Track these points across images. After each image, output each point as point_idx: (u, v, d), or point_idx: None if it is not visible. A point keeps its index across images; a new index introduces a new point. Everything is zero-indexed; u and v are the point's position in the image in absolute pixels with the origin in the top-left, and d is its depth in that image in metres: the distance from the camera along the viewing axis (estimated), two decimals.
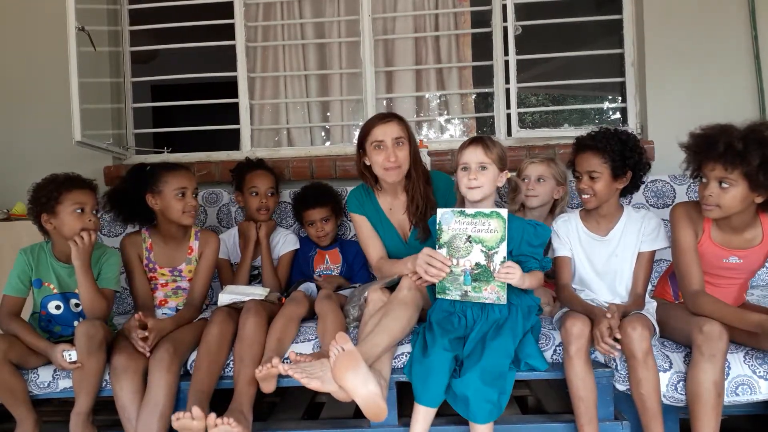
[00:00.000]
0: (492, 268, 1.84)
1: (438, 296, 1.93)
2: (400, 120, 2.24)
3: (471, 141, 1.99)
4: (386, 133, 2.19)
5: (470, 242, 1.85)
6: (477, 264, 1.85)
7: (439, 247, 1.90)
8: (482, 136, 2.01)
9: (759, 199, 1.81)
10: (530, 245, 1.92)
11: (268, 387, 1.91)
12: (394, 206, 2.35)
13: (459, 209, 1.89)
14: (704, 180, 1.84)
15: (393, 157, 2.18)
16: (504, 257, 1.83)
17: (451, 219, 1.88)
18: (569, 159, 2.14)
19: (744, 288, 2.02)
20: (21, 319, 2.08)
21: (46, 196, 2.04)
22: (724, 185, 1.78)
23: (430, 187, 2.30)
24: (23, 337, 2.00)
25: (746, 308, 1.98)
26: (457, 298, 1.89)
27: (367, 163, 2.26)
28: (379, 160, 2.20)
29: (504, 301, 1.86)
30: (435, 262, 1.89)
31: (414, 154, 2.25)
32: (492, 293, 1.85)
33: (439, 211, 1.91)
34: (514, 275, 1.82)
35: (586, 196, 2.02)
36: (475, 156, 1.95)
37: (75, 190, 2.05)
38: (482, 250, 1.84)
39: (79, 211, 2.04)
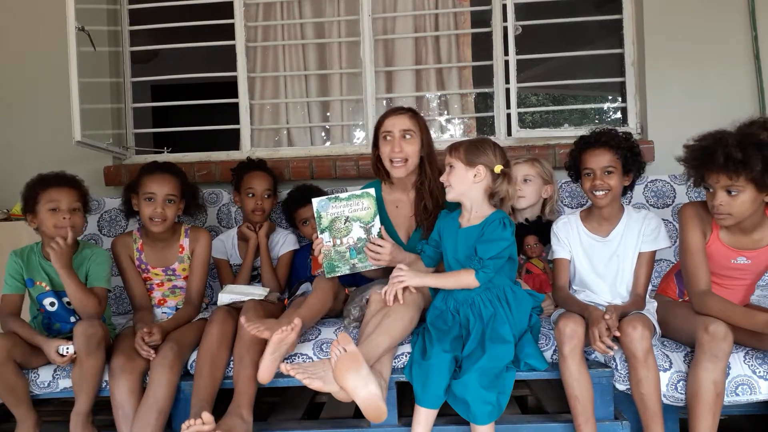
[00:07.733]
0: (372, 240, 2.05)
1: (328, 275, 2.08)
2: (413, 114, 2.25)
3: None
4: (395, 124, 2.21)
5: (349, 221, 2.03)
6: (359, 239, 2.04)
7: (321, 232, 2.04)
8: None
9: None
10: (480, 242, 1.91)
11: (265, 375, 1.84)
12: (402, 203, 2.32)
13: (333, 195, 2.05)
14: (711, 190, 1.82)
15: (398, 148, 2.18)
16: (379, 229, 2.05)
17: (328, 205, 2.03)
18: (570, 158, 2.12)
19: (750, 290, 2.01)
20: (19, 318, 2.08)
21: (27, 196, 2.07)
22: (733, 192, 1.77)
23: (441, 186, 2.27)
24: (21, 333, 2.00)
25: (750, 308, 1.97)
26: (347, 271, 2.07)
27: (382, 157, 2.26)
28: (386, 152, 2.21)
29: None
30: (315, 245, 2.07)
31: (426, 150, 2.23)
32: None
33: (315, 201, 2.03)
34: (383, 254, 2.02)
35: (600, 193, 2.00)
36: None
37: (50, 189, 2.05)
38: (361, 226, 2.03)
39: (52, 209, 2.03)
